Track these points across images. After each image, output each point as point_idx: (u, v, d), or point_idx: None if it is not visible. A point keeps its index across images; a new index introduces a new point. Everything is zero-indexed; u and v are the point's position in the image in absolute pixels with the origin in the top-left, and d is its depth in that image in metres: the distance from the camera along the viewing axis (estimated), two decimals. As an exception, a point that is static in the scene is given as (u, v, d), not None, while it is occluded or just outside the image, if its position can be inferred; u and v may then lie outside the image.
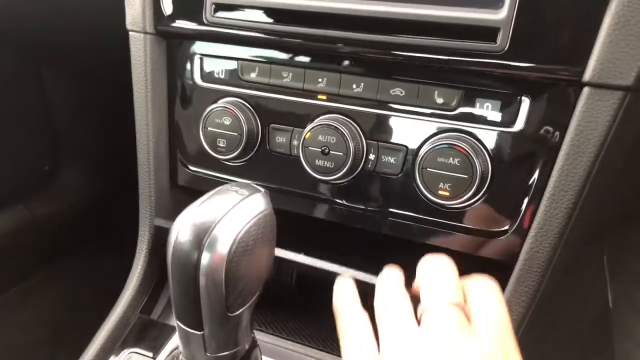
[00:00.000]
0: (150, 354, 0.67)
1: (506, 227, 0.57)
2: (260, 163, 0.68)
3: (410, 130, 0.60)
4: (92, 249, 1.65)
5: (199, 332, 0.49)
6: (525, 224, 0.56)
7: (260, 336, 0.68)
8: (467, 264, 0.60)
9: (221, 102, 0.67)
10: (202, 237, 0.46)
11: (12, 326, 1.33)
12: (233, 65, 0.68)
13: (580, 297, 0.91)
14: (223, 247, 0.46)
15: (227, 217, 0.47)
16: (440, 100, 0.58)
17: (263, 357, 0.58)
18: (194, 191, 0.74)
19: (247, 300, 0.50)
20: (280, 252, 0.65)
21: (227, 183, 0.71)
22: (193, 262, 0.46)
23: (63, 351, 1.04)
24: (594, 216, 0.56)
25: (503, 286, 0.57)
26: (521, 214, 0.56)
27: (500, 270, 0.59)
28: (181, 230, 0.47)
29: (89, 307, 1.55)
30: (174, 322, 0.71)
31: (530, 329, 0.57)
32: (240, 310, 0.50)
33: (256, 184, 0.69)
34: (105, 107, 1.45)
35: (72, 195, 1.55)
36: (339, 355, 0.49)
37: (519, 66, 0.53)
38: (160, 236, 0.74)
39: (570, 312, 0.91)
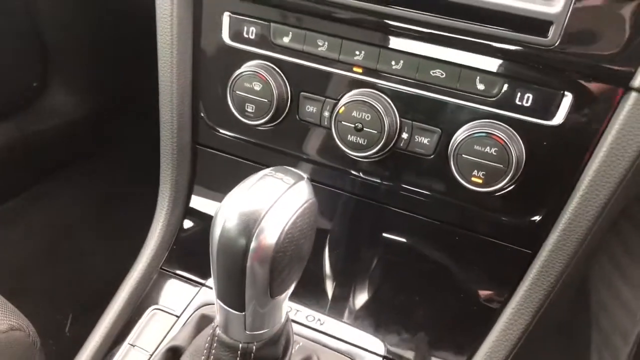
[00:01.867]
0: (175, 311, 0.69)
1: (535, 218, 0.59)
2: (288, 130, 0.68)
3: (446, 113, 0.60)
4: (86, 165, 1.64)
5: (241, 313, 0.51)
6: (554, 218, 0.58)
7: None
8: (490, 252, 0.63)
9: (251, 66, 0.66)
10: (251, 228, 0.47)
11: (5, 242, 1.33)
12: (265, 27, 0.65)
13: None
14: (271, 238, 0.47)
15: (275, 207, 0.47)
16: (481, 87, 0.58)
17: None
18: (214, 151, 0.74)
19: (288, 286, 0.52)
20: None
21: (250, 146, 0.71)
22: (241, 250, 0.47)
23: (60, 267, 1.05)
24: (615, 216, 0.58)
25: (522, 275, 0.60)
26: (551, 207, 0.58)
27: (520, 260, 0.62)
28: (229, 217, 0.48)
29: (84, 224, 1.56)
30: (196, 277, 0.73)
31: (546, 320, 0.61)
32: (282, 294, 0.51)
33: (286, 154, 0.70)
34: (98, 26, 1.39)
35: (63, 112, 1.52)
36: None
37: (567, 62, 0.53)
38: (179, 194, 0.74)
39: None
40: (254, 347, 0.54)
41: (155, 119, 0.78)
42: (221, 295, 0.51)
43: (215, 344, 0.55)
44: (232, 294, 0.51)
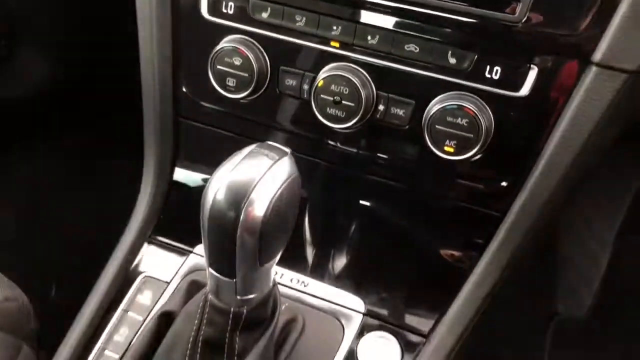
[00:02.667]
0: (164, 279, 0.73)
1: (503, 184, 0.63)
2: (269, 103, 0.70)
3: (420, 86, 0.63)
4: (55, 133, 1.63)
5: (232, 280, 0.54)
6: (521, 182, 0.62)
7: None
8: (461, 215, 0.67)
9: (230, 41, 0.67)
10: (240, 200, 0.50)
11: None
12: (244, 1, 0.67)
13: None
14: (259, 210, 0.50)
15: (261, 181, 0.51)
16: (453, 61, 0.61)
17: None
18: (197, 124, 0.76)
19: (276, 254, 0.55)
20: None
21: (231, 118, 0.73)
22: (231, 222, 0.50)
23: (41, 238, 1.06)
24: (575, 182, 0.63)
25: (491, 236, 0.65)
26: (518, 173, 0.62)
27: (489, 222, 0.66)
28: (219, 191, 0.51)
29: (57, 191, 1.56)
30: (183, 246, 0.76)
31: (515, 276, 0.66)
32: (269, 262, 0.55)
33: (266, 125, 0.72)
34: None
35: (31, 81, 1.50)
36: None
37: (533, 38, 0.57)
38: (164, 165, 0.77)
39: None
40: (245, 311, 0.58)
41: (132, 90, 0.80)
42: (212, 264, 0.55)
43: (207, 309, 0.59)
44: (223, 262, 0.54)
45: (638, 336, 1.25)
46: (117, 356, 0.67)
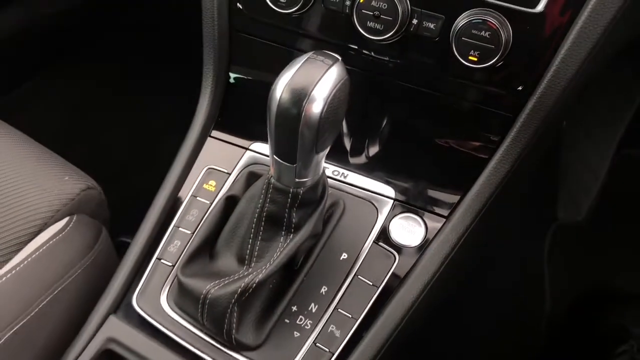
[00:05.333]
0: (226, 170, 0.85)
1: (518, 88, 0.73)
2: (315, 17, 0.80)
3: (449, 2, 0.72)
4: (97, 49, 1.72)
5: (293, 165, 0.67)
6: (532, 88, 0.72)
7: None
8: (479, 116, 0.78)
9: None
10: (301, 100, 0.62)
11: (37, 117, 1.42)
12: None
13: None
14: (317, 108, 0.62)
15: (319, 83, 0.62)
16: (479, -20, 0.70)
17: None
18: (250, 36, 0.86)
19: (328, 144, 0.68)
20: None
21: (281, 31, 0.83)
22: (294, 117, 0.62)
23: (76, 150, 1.17)
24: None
25: (505, 134, 0.76)
26: (531, 80, 0.72)
27: (503, 123, 0.77)
28: (284, 92, 0.62)
29: (98, 107, 1.68)
30: (240, 142, 0.88)
31: (522, 174, 0.78)
32: (323, 151, 0.67)
33: (312, 38, 0.82)
34: None
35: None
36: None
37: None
38: (221, 72, 0.88)
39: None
40: (301, 191, 0.70)
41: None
42: (277, 152, 0.67)
43: (270, 190, 0.71)
44: (286, 151, 0.66)
45: (633, 242, 1.37)
46: (189, 232, 0.81)
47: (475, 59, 0.72)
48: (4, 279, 0.76)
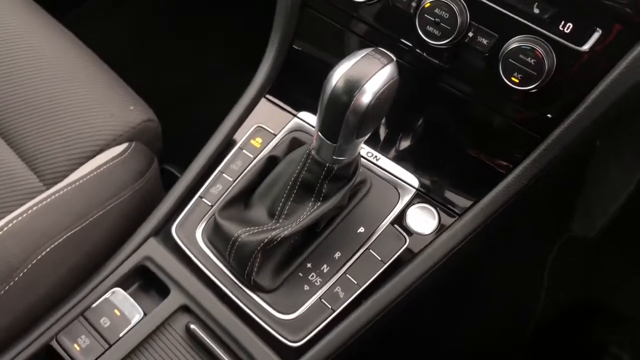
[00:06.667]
0: (273, 131, 0.94)
1: (549, 115, 0.80)
2: (381, 10, 0.87)
3: (505, 24, 0.78)
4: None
5: (333, 144, 0.75)
6: (563, 117, 0.79)
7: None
8: (508, 130, 0.85)
9: None
10: (354, 90, 0.69)
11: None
12: None
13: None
14: (365, 99, 0.69)
15: (373, 78, 0.69)
16: (536, 11, 0.76)
17: None
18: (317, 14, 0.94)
19: (368, 133, 0.75)
20: None
21: (348, 16, 0.90)
22: (344, 104, 0.70)
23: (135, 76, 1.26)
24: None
25: (530, 151, 0.83)
26: (563, 109, 0.78)
27: (530, 141, 0.83)
28: (340, 80, 0.70)
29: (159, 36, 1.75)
30: (290, 109, 0.96)
31: (542, 185, 0.85)
32: (363, 137, 0.75)
33: (374, 28, 0.89)
34: None
35: None
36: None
37: (603, 7, 0.71)
38: (286, 40, 0.95)
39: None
40: (336, 167, 0.79)
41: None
42: (322, 130, 0.75)
43: (309, 160, 0.80)
44: (331, 130, 0.74)
45: (636, 266, 1.42)
46: (231, 179, 0.91)
47: (517, 81, 0.78)
48: (66, 189, 0.87)
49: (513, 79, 0.78)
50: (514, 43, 0.77)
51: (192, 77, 1.67)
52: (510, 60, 0.77)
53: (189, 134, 1.18)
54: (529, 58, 0.76)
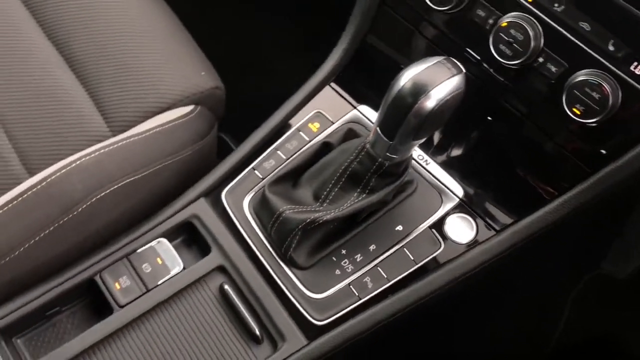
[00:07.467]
0: (331, 118, 0.98)
1: (603, 151, 0.81)
2: (457, 21, 0.89)
3: (577, 55, 0.80)
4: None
5: (389, 142, 0.78)
6: (617, 155, 0.80)
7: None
8: (559, 158, 0.86)
9: None
10: (420, 93, 0.72)
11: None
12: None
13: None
14: (429, 104, 0.72)
15: (440, 85, 0.72)
16: (611, 48, 0.77)
17: None
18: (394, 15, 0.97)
19: (424, 137, 0.78)
20: None
21: (423, 20, 0.92)
22: (407, 105, 0.73)
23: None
24: None
25: (577, 182, 0.84)
26: (618, 148, 0.80)
27: (579, 172, 0.85)
28: (408, 82, 0.73)
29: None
30: (352, 100, 1.00)
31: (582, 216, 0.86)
32: (419, 140, 0.78)
33: (447, 37, 0.91)
34: None
35: None
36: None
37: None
38: (359, 34, 0.99)
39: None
40: (387, 164, 0.82)
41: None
42: (381, 126, 0.78)
43: (363, 152, 0.83)
44: (390, 128, 0.77)
45: None
46: (284, 157, 0.95)
47: (578, 113, 0.80)
48: (132, 139, 0.93)
49: (575, 109, 0.80)
50: (582, 75, 0.79)
51: (257, 52, 1.71)
52: (575, 91, 0.79)
53: (245, 106, 1.23)
54: (595, 92, 0.78)
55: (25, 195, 0.87)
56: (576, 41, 0.79)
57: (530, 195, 0.90)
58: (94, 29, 1.06)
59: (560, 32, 0.80)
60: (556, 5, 0.80)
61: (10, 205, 0.87)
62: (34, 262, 0.88)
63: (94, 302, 0.92)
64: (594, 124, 0.79)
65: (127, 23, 1.07)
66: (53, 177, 0.88)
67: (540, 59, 0.82)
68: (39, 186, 0.88)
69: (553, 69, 0.82)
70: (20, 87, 0.98)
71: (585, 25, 0.78)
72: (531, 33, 0.81)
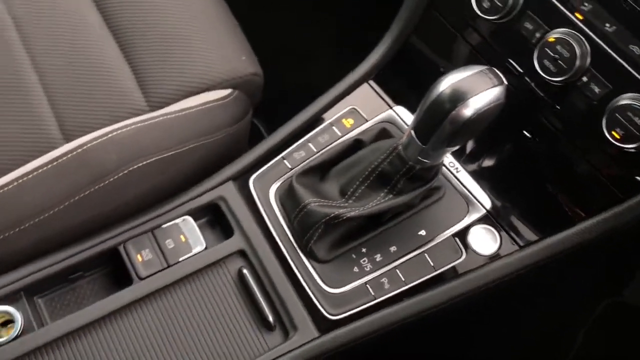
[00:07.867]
0: (365, 116, 0.97)
1: (637, 178, 0.80)
2: (503, 31, 0.88)
3: (623, 78, 0.78)
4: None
5: (422, 145, 0.78)
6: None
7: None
8: (592, 180, 0.85)
9: None
10: (458, 101, 0.71)
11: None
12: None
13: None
14: (467, 112, 0.71)
15: (480, 95, 0.71)
16: (657, 74, 0.76)
17: None
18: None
19: (458, 144, 0.78)
20: None
21: (470, 28, 0.92)
22: (445, 111, 0.72)
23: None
24: None
25: (608, 205, 0.83)
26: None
27: (610, 197, 0.83)
28: (448, 88, 0.72)
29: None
30: (389, 100, 1.00)
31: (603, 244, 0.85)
32: (452, 147, 0.78)
33: (490, 47, 0.90)
34: None
35: None
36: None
37: None
38: (401, 36, 0.99)
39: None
40: (417, 167, 0.82)
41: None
42: (416, 129, 0.78)
43: (394, 153, 0.83)
44: (424, 132, 0.77)
45: None
46: (315, 150, 0.95)
47: (617, 137, 0.78)
48: (169, 116, 0.94)
49: (614, 133, 0.78)
50: (625, 99, 0.77)
51: (299, 43, 1.71)
52: (616, 114, 0.78)
53: (281, 95, 1.23)
54: (637, 117, 0.76)
55: (60, 160, 0.89)
56: (624, 63, 0.78)
57: (557, 214, 0.90)
58: (143, 6, 1.08)
59: (608, 54, 0.79)
60: (607, 25, 0.78)
61: (44, 169, 0.89)
62: (61, 226, 0.90)
63: (114, 271, 0.94)
64: (632, 150, 0.78)
65: (177, 5, 1.09)
66: (89, 145, 0.90)
67: (584, 78, 0.81)
68: (74, 152, 0.90)
69: (596, 89, 0.81)
70: (66, 54, 1.00)
71: (636, 49, 0.77)
72: (578, 51, 0.80)
